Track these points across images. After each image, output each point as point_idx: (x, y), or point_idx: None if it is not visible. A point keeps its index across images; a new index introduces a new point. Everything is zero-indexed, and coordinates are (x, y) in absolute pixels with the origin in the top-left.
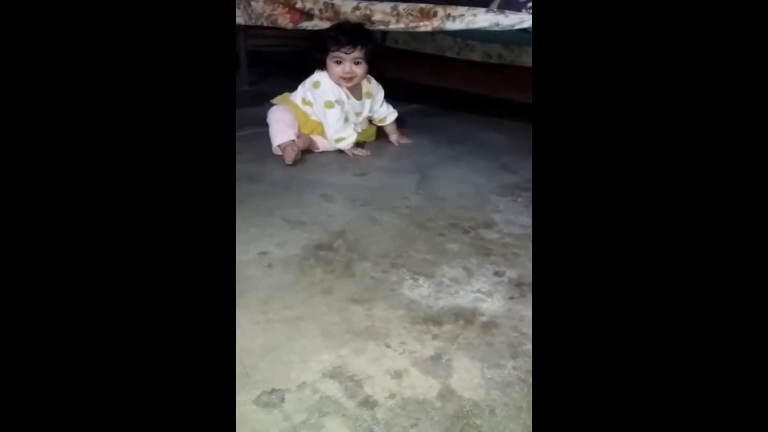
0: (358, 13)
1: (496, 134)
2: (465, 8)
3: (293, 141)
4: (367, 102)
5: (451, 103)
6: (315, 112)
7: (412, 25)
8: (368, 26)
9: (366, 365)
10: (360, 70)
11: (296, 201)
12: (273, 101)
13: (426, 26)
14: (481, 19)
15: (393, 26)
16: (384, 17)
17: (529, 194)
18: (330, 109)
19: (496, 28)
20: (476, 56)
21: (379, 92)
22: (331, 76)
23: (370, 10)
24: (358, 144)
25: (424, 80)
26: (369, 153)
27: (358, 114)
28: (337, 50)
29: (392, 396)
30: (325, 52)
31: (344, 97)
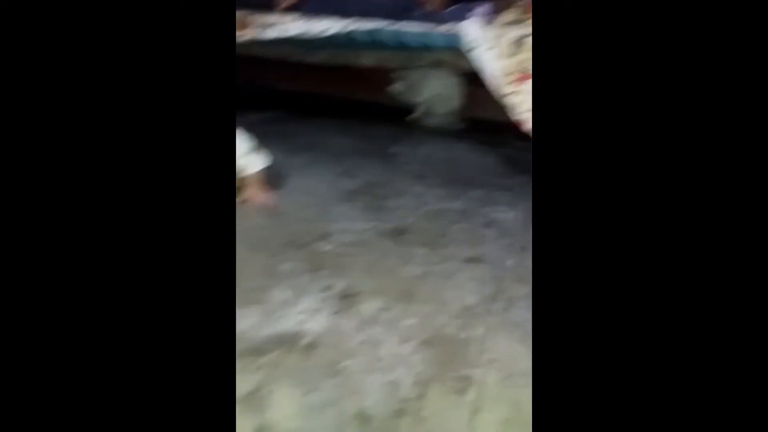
0: None
1: (341, 138)
2: (276, 17)
3: None
4: None
5: (305, 109)
6: None
7: (238, 33)
8: None
9: None
10: None
11: None
12: None
13: (244, 36)
14: (293, 27)
15: None
16: None
17: (367, 198)
18: None
19: (305, 36)
20: (319, 59)
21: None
22: None
23: None
24: None
25: (272, 84)
26: None
27: None
28: None
29: None
30: None
31: None
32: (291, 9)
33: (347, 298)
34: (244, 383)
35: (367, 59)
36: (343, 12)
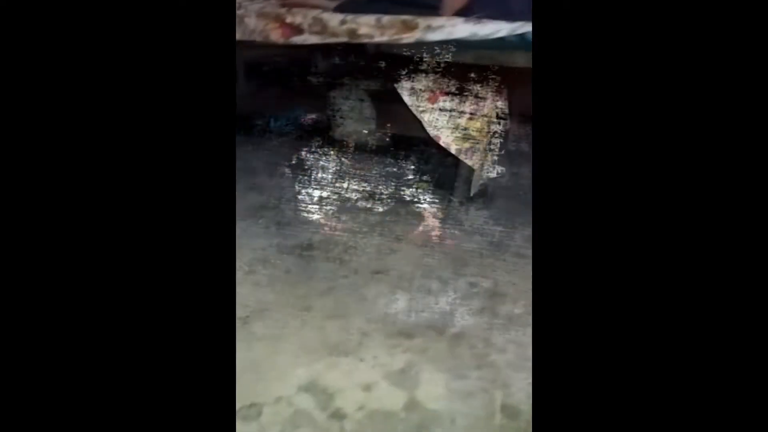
0: (345, 27)
1: None
2: (444, 19)
3: None
4: None
5: None
6: None
7: (395, 37)
8: (353, 40)
9: (339, 379)
10: None
11: None
12: None
13: (409, 38)
14: (460, 29)
15: (377, 39)
16: (369, 30)
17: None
18: None
19: (474, 38)
20: (466, 59)
21: None
22: None
23: (357, 23)
24: None
25: None
26: None
27: None
28: None
29: (361, 408)
30: None
31: None
32: (459, 13)
33: (493, 297)
34: (395, 361)
35: (521, 59)
36: (510, 12)
